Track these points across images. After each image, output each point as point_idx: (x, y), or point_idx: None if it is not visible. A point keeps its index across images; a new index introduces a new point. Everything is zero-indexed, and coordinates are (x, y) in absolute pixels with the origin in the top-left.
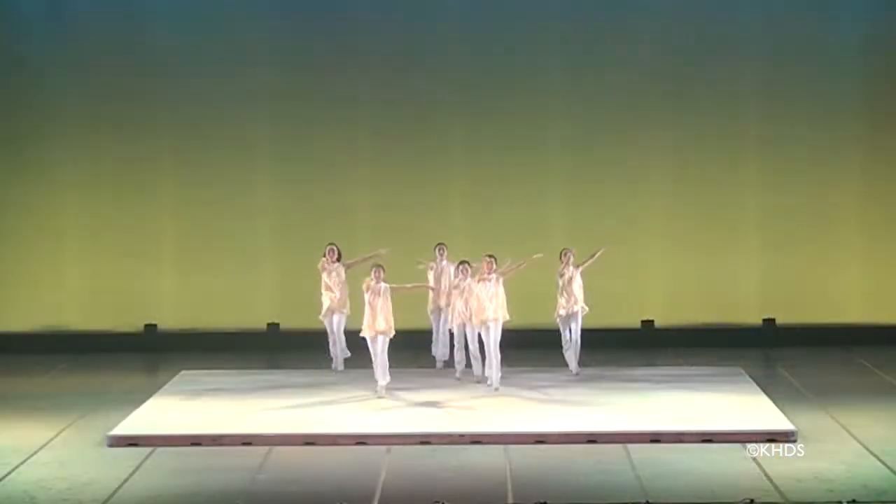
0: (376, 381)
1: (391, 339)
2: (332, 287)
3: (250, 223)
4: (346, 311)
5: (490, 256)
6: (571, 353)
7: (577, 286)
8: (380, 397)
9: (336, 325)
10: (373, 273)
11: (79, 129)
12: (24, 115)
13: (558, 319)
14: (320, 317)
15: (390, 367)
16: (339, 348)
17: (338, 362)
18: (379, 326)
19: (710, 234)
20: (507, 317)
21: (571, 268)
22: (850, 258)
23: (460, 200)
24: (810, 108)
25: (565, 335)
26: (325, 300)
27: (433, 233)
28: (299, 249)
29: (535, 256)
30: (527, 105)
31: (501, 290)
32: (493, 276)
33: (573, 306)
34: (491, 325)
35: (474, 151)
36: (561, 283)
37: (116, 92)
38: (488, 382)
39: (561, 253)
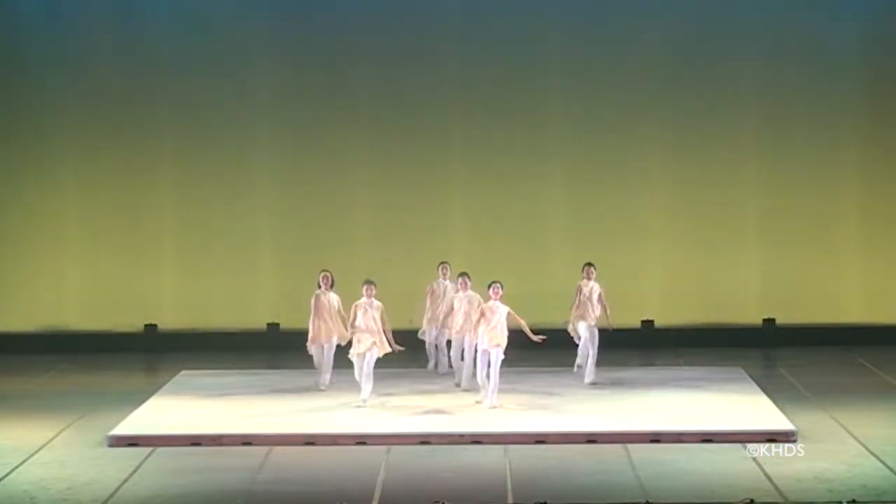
0: (362, 397)
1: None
2: (322, 315)
3: (250, 223)
4: (336, 340)
5: (496, 282)
6: (592, 365)
7: (597, 300)
8: (358, 407)
9: (326, 351)
10: (364, 290)
11: (79, 129)
12: (25, 114)
13: (573, 330)
14: (308, 345)
15: (390, 367)
16: (328, 372)
17: (324, 380)
18: (367, 343)
19: (710, 233)
20: (504, 344)
21: (593, 282)
22: (850, 258)
23: (460, 200)
24: (810, 108)
25: (584, 348)
26: (313, 328)
27: (433, 233)
28: (299, 249)
29: (538, 338)
30: (527, 105)
31: (504, 320)
32: (501, 306)
33: (592, 321)
34: (492, 351)
35: (474, 151)
36: (580, 297)
37: (116, 92)
38: (487, 404)
39: (583, 267)
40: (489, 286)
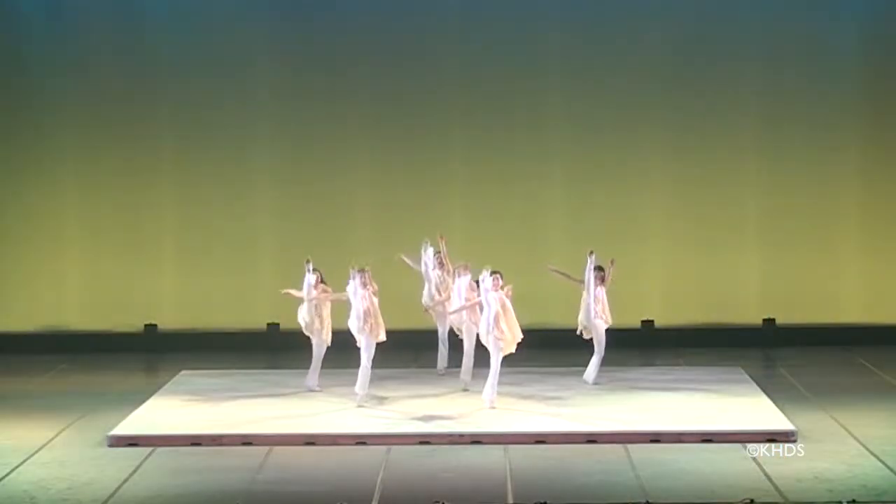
0: (356, 390)
1: (386, 342)
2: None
3: (250, 223)
4: (323, 337)
5: (496, 272)
6: (596, 366)
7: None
8: (360, 406)
9: (316, 350)
10: (358, 277)
11: (79, 129)
12: (25, 114)
13: (589, 330)
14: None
15: (390, 367)
16: (316, 371)
17: (313, 381)
18: (362, 326)
19: (710, 233)
20: (521, 335)
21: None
22: (850, 258)
23: (460, 200)
24: (810, 108)
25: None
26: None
27: (433, 232)
28: (299, 249)
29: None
30: (527, 105)
31: (510, 305)
32: (501, 294)
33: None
34: (497, 342)
35: (474, 151)
36: (602, 295)
37: (116, 92)
38: (485, 404)
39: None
40: (489, 276)
